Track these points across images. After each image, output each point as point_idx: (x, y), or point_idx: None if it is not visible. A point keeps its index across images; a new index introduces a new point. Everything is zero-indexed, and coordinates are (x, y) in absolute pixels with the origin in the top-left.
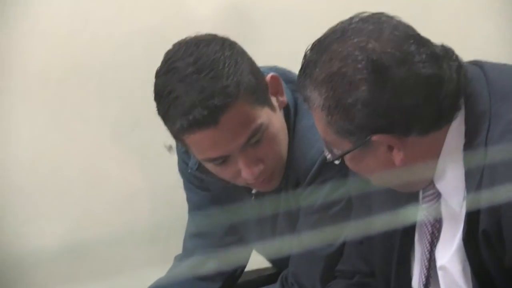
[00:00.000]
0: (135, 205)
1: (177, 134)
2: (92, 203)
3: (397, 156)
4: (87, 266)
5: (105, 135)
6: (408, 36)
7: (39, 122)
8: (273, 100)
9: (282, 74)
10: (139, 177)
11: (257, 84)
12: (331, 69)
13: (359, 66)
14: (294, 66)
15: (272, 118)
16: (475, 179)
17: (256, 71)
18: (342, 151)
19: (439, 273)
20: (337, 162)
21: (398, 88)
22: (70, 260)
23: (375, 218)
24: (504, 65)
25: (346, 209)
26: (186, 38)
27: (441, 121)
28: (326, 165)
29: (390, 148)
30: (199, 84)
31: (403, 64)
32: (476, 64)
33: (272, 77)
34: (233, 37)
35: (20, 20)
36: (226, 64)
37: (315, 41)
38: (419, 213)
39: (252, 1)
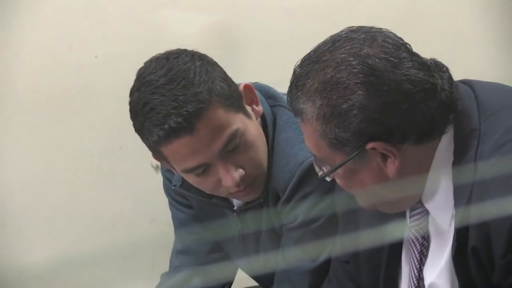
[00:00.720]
0: (121, 223)
1: (155, 147)
2: (79, 222)
3: (392, 166)
4: (74, 285)
5: (92, 154)
6: (399, 44)
7: (26, 143)
8: (248, 109)
9: (262, 89)
10: (126, 196)
11: (230, 91)
12: (325, 77)
13: (354, 70)
14: (279, 89)
15: (249, 125)
16: (464, 195)
17: (228, 80)
18: (335, 165)
19: None
20: (328, 179)
21: (394, 92)
22: (56, 281)
23: (362, 235)
24: (493, 83)
25: (329, 224)
26: (156, 54)
27: (434, 131)
28: (305, 178)
29: (384, 157)
30: (172, 93)
31: (397, 69)
32: (465, 82)
33: (245, 86)
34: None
35: (6, 43)
36: (197, 73)
37: (305, 56)
38: (406, 230)
39: (236, 25)
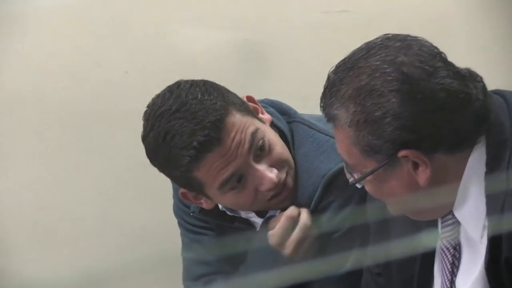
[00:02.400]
0: (149, 238)
1: (187, 173)
2: (106, 238)
3: (423, 174)
4: None
5: (120, 170)
6: (434, 53)
7: (54, 160)
8: (259, 117)
9: (275, 105)
10: (154, 211)
11: (241, 100)
12: (359, 83)
13: (389, 78)
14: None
15: (266, 128)
16: (497, 206)
17: (234, 93)
18: (366, 172)
19: None
20: (359, 185)
21: (428, 101)
22: None
23: (394, 244)
24: None
25: (351, 233)
26: (153, 97)
27: (466, 142)
28: (328, 189)
29: (416, 166)
30: (189, 113)
31: (432, 77)
32: (498, 93)
33: (247, 98)
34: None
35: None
36: (205, 90)
37: (339, 62)
38: (438, 241)
39: (262, 42)
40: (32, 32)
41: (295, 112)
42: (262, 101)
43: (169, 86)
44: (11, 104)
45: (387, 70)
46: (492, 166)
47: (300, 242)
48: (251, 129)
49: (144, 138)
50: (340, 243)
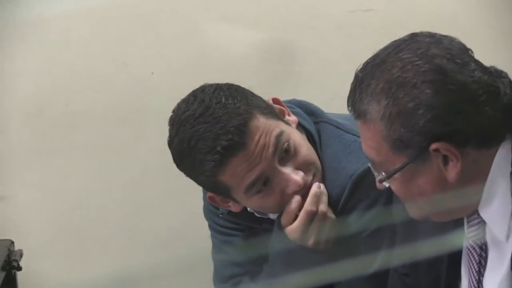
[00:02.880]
0: (180, 240)
1: (213, 178)
2: (138, 239)
3: (453, 169)
4: None
5: (149, 170)
6: (464, 49)
7: (83, 162)
8: (284, 119)
9: (302, 106)
10: (184, 212)
11: (265, 104)
12: (391, 76)
13: (421, 69)
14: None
15: (292, 130)
16: None
17: (258, 96)
18: (395, 168)
19: None
20: (386, 184)
21: (461, 92)
22: None
23: (421, 245)
24: None
25: (378, 233)
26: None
27: (496, 136)
28: (356, 190)
29: (446, 161)
30: (212, 117)
31: (464, 70)
32: None
33: (273, 100)
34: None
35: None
36: (229, 94)
37: (367, 60)
38: (464, 241)
39: (292, 41)
40: (59, 36)
41: (322, 112)
42: (289, 102)
43: (193, 91)
44: (41, 105)
45: (419, 62)
46: None
47: (320, 231)
48: (275, 132)
49: (170, 144)
50: (367, 243)
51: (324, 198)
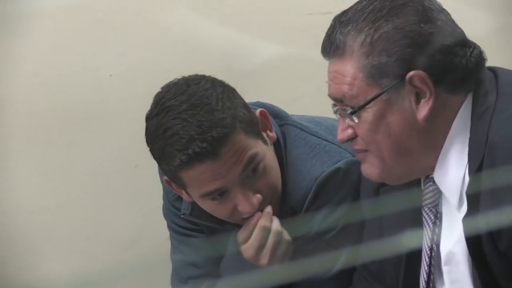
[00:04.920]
0: (139, 242)
1: (174, 172)
2: (97, 242)
3: (425, 106)
4: None
5: (108, 173)
6: (442, 9)
7: (42, 164)
8: (264, 135)
9: (268, 109)
10: (143, 214)
11: (250, 118)
12: (373, 6)
13: (402, 1)
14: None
15: (266, 151)
16: (475, 164)
17: (247, 106)
18: (367, 100)
19: (444, 269)
20: (356, 119)
21: (442, 27)
22: None
23: (386, 241)
24: None
25: (343, 233)
26: (174, 79)
27: (465, 83)
28: (320, 192)
29: (418, 98)
30: (196, 119)
31: (443, 14)
32: (490, 69)
33: (261, 112)
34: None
35: (19, 65)
36: (220, 99)
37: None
38: (422, 211)
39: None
40: (18, 36)
41: (287, 115)
42: (254, 104)
43: (189, 78)
44: (1, 107)
45: None
46: (475, 131)
47: (274, 250)
48: (250, 152)
49: (147, 119)
50: (330, 244)
51: (277, 221)
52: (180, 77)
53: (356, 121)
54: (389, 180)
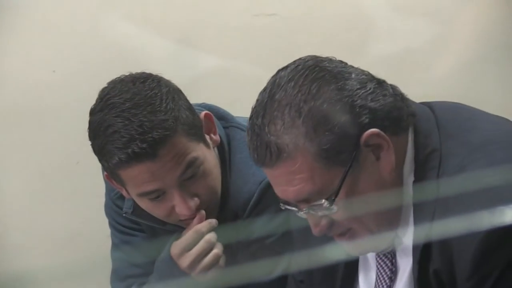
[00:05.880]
0: (78, 239)
1: (113, 169)
2: (35, 238)
3: (387, 158)
4: None
5: (49, 169)
6: (343, 63)
7: None
8: (207, 138)
9: (213, 111)
10: (83, 211)
11: (194, 120)
12: (290, 98)
13: (312, 77)
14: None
15: (207, 155)
16: (425, 214)
17: (192, 109)
18: (337, 185)
19: None
20: (335, 207)
21: (357, 79)
22: None
23: (316, 253)
24: (453, 104)
25: (284, 239)
26: (120, 76)
27: (401, 122)
28: (263, 196)
29: (377, 152)
30: (138, 119)
31: (346, 66)
32: (425, 104)
33: (205, 115)
34: None
35: None
36: (164, 100)
37: (251, 113)
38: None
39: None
40: None
41: (233, 117)
42: (199, 105)
43: (136, 76)
44: None
45: (305, 73)
46: (421, 174)
47: (198, 258)
48: (190, 156)
49: (91, 113)
50: (271, 249)
51: (214, 234)
52: (127, 73)
53: (335, 209)
54: (383, 247)
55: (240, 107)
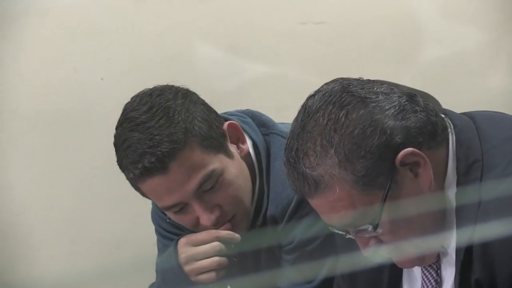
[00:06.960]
0: (125, 246)
1: (133, 184)
2: (82, 245)
3: (425, 174)
4: None
5: (95, 177)
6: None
7: (29, 166)
8: (233, 147)
9: (256, 117)
10: (129, 219)
11: (209, 131)
12: (320, 128)
13: (341, 101)
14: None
15: (229, 165)
16: (467, 220)
17: (210, 119)
18: (378, 210)
19: None
20: (380, 230)
21: (387, 98)
22: None
23: (360, 256)
24: (495, 113)
25: (325, 245)
26: (144, 89)
27: (437, 137)
28: (302, 202)
29: (414, 170)
30: (149, 132)
31: (370, 85)
32: (467, 114)
33: (229, 124)
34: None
35: (10, 65)
36: (177, 112)
37: (286, 144)
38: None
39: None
40: (8, 37)
41: (274, 124)
42: (242, 112)
43: (155, 88)
44: None
45: (332, 99)
46: (463, 185)
47: (197, 256)
48: (206, 170)
49: (116, 128)
50: (313, 255)
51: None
52: (151, 87)
53: (381, 231)
54: (430, 262)
55: (288, 113)
